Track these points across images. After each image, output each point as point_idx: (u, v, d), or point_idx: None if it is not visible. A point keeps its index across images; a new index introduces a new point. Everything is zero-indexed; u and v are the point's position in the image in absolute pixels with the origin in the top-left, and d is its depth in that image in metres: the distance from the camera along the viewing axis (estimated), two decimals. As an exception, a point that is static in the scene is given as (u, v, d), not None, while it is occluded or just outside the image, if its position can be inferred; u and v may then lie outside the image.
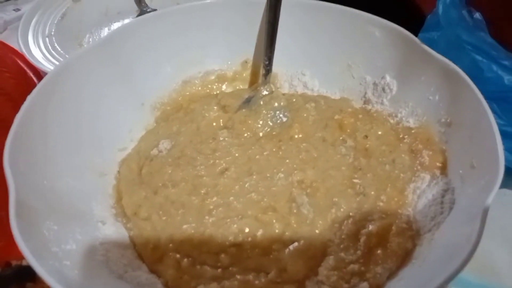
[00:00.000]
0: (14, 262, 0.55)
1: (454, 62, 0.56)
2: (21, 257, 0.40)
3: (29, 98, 0.52)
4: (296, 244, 0.49)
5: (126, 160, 0.61)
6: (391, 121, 0.63)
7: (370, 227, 0.51)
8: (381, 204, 0.53)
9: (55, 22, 0.86)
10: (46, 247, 0.44)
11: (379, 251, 0.49)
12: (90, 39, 0.89)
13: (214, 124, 0.64)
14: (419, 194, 0.54)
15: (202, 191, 0.53)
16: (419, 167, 0.57)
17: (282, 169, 0.57)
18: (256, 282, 0.47)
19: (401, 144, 0.59)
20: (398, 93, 0.64)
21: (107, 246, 0.50)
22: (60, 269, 0.42)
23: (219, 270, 0.48)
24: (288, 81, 0.73)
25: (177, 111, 0.67)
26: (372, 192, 0.54)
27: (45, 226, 0.46)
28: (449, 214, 0.49)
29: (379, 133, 0.61)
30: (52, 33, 0.84)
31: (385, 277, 0.47)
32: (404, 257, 0.48)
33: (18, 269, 0.55)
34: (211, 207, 0.52)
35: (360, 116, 0.64)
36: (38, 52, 0.79)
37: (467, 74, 0.54)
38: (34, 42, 0.81)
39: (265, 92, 0.66)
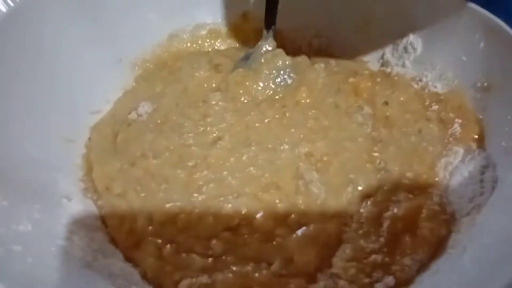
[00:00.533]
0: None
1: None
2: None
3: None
4: (304, 228, 0.43)
5: (99, 124, 0.53)
6: (415, 86, 0.55)
7: (395, 209, 0.44)
8: (407, 182, 0.46)
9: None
10: (-14, 228, 0.37)
11: (406, 238, 0.42)
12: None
13: (205, 85, 0.56)
14: (451, 171, 0.47)
15: (190, 164, 0.47)
16: (450, 139, 0.50)
17: (286, 140, 0.50)
18: (256, 274, 0.40)
19: (428, 112, 0.52)
20: (423, 54, 0.56)
21: (72, 227, 0.44)
22: (6, 257, 0.36)
23: (210, 259, 0.42)
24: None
25: (160, 69, 0.59)
26: (396, 168, 0.47)
27: (-9, 201, 0.39)
28: (492, 194, 0.42)
29: (402, 99, 0.54)
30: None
31: (414, 269, 0.40)
32: (437, 246, 0.42)
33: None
34: (201, 182, 0.46)
35: (379, 79, 0.56)
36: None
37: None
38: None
39: (267, 48, 0.57)
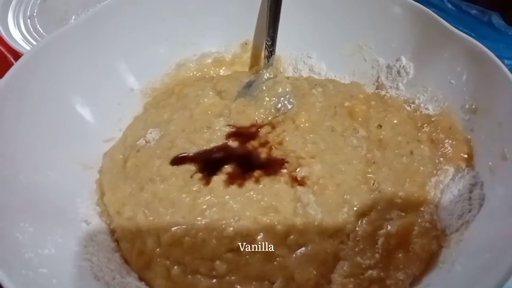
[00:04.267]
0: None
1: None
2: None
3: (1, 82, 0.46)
4: (303, 248, 0.44)
5: (110, 151, 0.55)
6: (408, 108, 0.57)
7: (389, 227, 0.45)
8: (399, 201, 0.48)
9: (38, 2, 0.79)
10: (17, 253, 0.39)
11: (400, 255, 0.43)
12: (77, 22, 0.82)
13: (209, 112, 0.57)
14: (442, 189, 0.49)
15: (194, 188, 0.48)
16: (441, 159, 0.51)
17: (285, 164, 0.51)
18: (260, 293, 0.42)
19: (419, 134, 0.54)
20: (415, 77, 0.58)
21: (92, 249, 0.45)
22: (34, 280, 0.38)
23: (214, 280, 0.43)
24: (293, 64, 0.66)
25: (168, 96, 0.61)
26: (389, 188, 0.49)
27: (19, 228, 0.41)
28: (479, 211, 0.44)
29: (395, 121, 0.55)
30: (34, 14, 0.77)
31: (408, 283, 0.42)
32: (429, 261, 0.43)
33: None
34: (204, 206, 0.47)
35: (373, 102, 0.58)
36: (18, 34, 0.72)
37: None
38: (14, 24, 0.74)
39: (268, 76, 0.59)
